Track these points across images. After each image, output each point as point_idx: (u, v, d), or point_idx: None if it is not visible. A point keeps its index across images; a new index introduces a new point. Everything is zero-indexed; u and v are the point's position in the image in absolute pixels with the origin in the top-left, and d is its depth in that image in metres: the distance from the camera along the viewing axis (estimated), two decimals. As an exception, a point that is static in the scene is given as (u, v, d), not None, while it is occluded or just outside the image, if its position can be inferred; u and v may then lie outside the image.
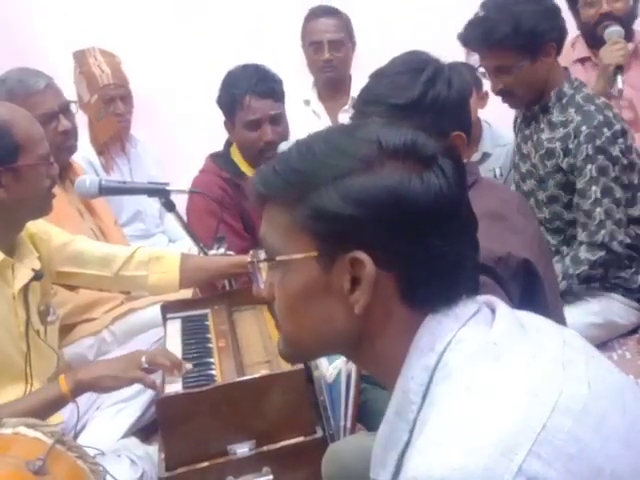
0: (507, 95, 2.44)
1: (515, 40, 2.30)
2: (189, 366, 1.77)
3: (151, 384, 1.77)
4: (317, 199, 0.88)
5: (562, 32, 2.41)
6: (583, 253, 2.39)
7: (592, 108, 2.38)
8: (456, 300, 0.90)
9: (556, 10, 2.39)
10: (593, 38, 3.04)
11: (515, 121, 2.74)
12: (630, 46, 2.97)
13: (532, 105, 2.49)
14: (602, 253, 2.39)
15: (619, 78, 2.79)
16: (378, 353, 0.92)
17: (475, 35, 2.33)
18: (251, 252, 1.02)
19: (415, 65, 1.46)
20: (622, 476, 0.80)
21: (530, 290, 1.38)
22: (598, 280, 2.43)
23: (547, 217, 2.53)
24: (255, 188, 0.94)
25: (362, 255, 0.86)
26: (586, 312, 2.35)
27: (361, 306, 0.88)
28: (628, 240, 2.45)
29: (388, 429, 0.91)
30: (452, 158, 0.91)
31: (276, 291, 0.96)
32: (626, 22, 2.99)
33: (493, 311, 0.93)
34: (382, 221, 0.86)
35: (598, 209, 2.37)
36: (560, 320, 1.44)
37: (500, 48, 2.32)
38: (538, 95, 2.44)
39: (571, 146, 2.36)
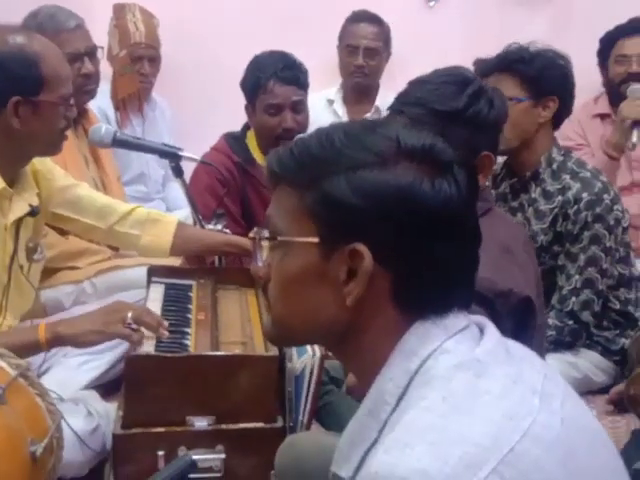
0: None
1: (526, 69, 2.30)
2: (166, 333, 1.75)
3: (137, 341, 1.72)
4: (328, 186, 0.88)
5: (567, 101, 2.39)
6: (552, 319, 2.37)
7: (588, 175, 2.36)
8: (447, 311, 0.91)
9: (572, 81, 2.38)
10: (617, 96, 3.07)
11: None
12: None
13: (510, 154, 2.43)
14: (570, 322, 2.37)
15: (635, 132, 2.79)
16: (361, 349, 0.93)
17: (492, 58, 2.35)
18: (255, 229, 1.02)
19: (461, 78, 1.47)
20: None
21: (523, 328, 1.38)
22: (566, 346, 2.41)
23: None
24: (270, 167, 0.96)
25: (362, 248, 0.87)
26: (562, 361, 2.36)
27: (353, 298, 0.89)
28: (617, 305, 2.47)
29: (358, 426, 0.91)
30: (468, 170, 0.92)
31: (273, 272, 0.96)
32: None
33: (482, 331, 0.93)
34: (387, 218, 0.87)
35: (577, 276, 2.36)
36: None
37: (510, 72, 2.32)
38: (521, 146, 2.38)
39: (570, 212, 2.34)
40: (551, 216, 2.38)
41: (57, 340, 1.77)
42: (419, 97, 1.45)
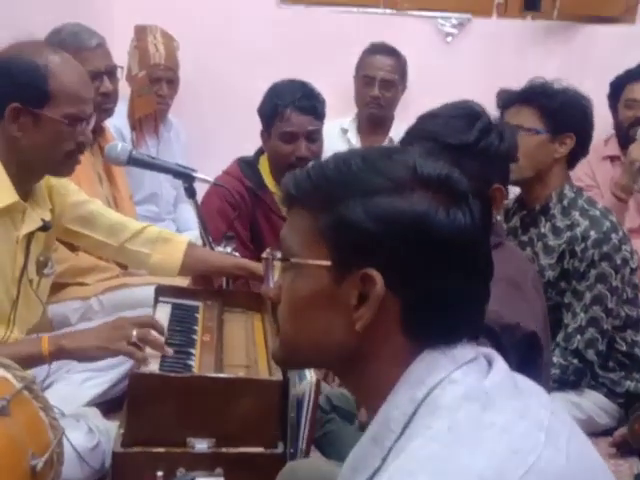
0: None
1: (548, 103, 2.34)
2: (170, 351, 1.76)
3: (141, 359, 1.72)
4: (343, 210, 0.89)
5: (584, 140, 2.43)
6: (556, 357, 2.36)
7: (597, 213, 2.37)
8: (456, 342, 0.91)
9: (591, 121, 2.42)
10: (626, 139, 3.10)
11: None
12: None
13: (525, 185, 2.45)
14: (575, 360, 2.36)
15: None
16: (368, 375, 0.93)
17: (515, 90, 2.40)
18: (268, 250, 1.03)
19: (470, 112, 1.49)
20: None
21: (528, 363, 1.37)
22: (571, 385, 2.40)
23: None
24: (285, 188, 0.96)
25: (374, 273, 0.87)
26: (566, 401, 2.34)
27: (363, 324, 0.89)
28: (623, 347, 2.46)
29: (361, 452, 0.91)
30: (483, 202, 0.93)
31: (283, 293, 0.97)
32: None
33: (490, 363, 0.93)
34: (400, 244, 0.87)
35: (583, 314, 2.35)
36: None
37: (532, 104, 2.36)
38: (535, 178, 2.41)
39: (577, 249, 2.34)
40: (559, 252, 2.38)
41: (60, 353, 1.77)
42: (430, 131, 1.46)
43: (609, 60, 3.55)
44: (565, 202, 2.40)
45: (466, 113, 1.48)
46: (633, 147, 2.88)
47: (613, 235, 2.34)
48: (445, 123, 1.46)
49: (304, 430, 1.69)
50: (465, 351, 0.90)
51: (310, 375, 1.69)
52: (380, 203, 0.88)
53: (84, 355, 1.79)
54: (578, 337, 2.36)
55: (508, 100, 2.40)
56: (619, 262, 2.35)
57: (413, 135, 1.49)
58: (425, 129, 1.48)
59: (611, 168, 3.24)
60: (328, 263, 0.90)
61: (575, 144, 2.39)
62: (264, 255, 1.02)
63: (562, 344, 2.37)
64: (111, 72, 2.63)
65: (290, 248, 0.95)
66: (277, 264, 0.99)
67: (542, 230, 2.44)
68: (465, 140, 1.43)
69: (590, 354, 2.37)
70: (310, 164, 0.97)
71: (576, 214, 2.37)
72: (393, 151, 0.96)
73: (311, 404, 1.68)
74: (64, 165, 1.90)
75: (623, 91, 3.26)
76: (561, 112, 2.34)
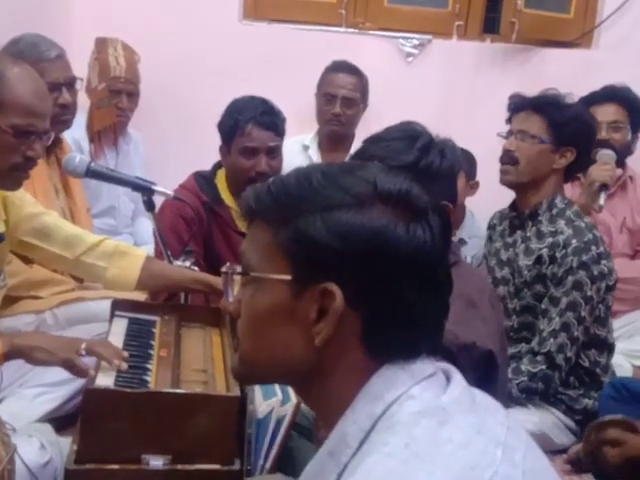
0: (510, 161, 2.49)
1: (556, 114, 2.42)
2: (124, 365, 1.73)
3: (82, 370, 1.70)
4: (303, 224, 0.89)
5: (583, 157, 2.51)
6: (524, 365, 2.39)
7: (582, 225, 2.43)
8: (415, 357, 0.91)
9: (594, 140, 2.53)
10: None
11: (491, 226, 2.76)
12: (618, 171, 3.10)
13: (521, 189, 2.52)
14: (543, 366, 2.39)
15: (602, 195, 2.92)
16: (326, 390, 0.92)
17: (529, 97, 2.48)
18: (227, 264, 1.02)
19: (411, 133, 1.50)
20: None
21: (486, 382, 1.38)
22: (538, 394, 2.42)
23: (515, 326, 2.52)
24: (246, 202, 0.96)
25: (334, 287, 0.87)
26: (524, 418, 2.36)
27: (322, 338, 0.89)
28: (586, 363, 2.49)
29: (317, 467, 0.90)
30: (442, 218, 0.93)
31: (243, 308, 0.96)
32: (620, 153, 3.15)
33: (448, 379, 0.93)
34: (360, 259, 0.87)
35: (557, 319, 2.39)
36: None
37: (541, 112, 2.43)
38: (530, 184, 2.49)
39: (558, 255, 2.39)
40: (537, 254, 2.44)
41: (13, 352, 1.74)
42: (373, 155, 1.46)
43: (564, 83, 3.56)
44: (554, 211, 2.48)
45: (407, 135, 1.49)
46: (593, 168, 2.96)
47: (593, 247, 2.39)
48: (387, 146, 1.47)
49: (269, 448, 1.68)
50: (424, 366, 0.91)
51: (282, 394, 1.68)
52: (340, 218, 0.88)
53: (33, 355, 1.76)
54: (551, 340, 2.39)
55: (520, 105, 2.48)
56: (596, 273, 2.39)
57: (359, 159, 1.50)
58: (369, 153, 1.48)
59: (571, 188, 3.30)
60: (288, 277, 0.90)
61: (574, 159, 2.47)
62: (223, 269, 1.01)
63: (536, 348, 2.41)
64: (70, 84, 2.60)
65: (250, 262, 0.95)
66: (237, 278, 0.99)
67: (527, 234, 2.52)
68: (406, 160, 1.43)
69: (560, 359, 2.40)
70: (271, 179, 0.97)
71: (562, 223, 2.44)
72: (354, 166, 0.96)
73: (285, 424, 1.67)
74: (9, 178, 1.86)
75: None
76: (568, 126, 2.42)
